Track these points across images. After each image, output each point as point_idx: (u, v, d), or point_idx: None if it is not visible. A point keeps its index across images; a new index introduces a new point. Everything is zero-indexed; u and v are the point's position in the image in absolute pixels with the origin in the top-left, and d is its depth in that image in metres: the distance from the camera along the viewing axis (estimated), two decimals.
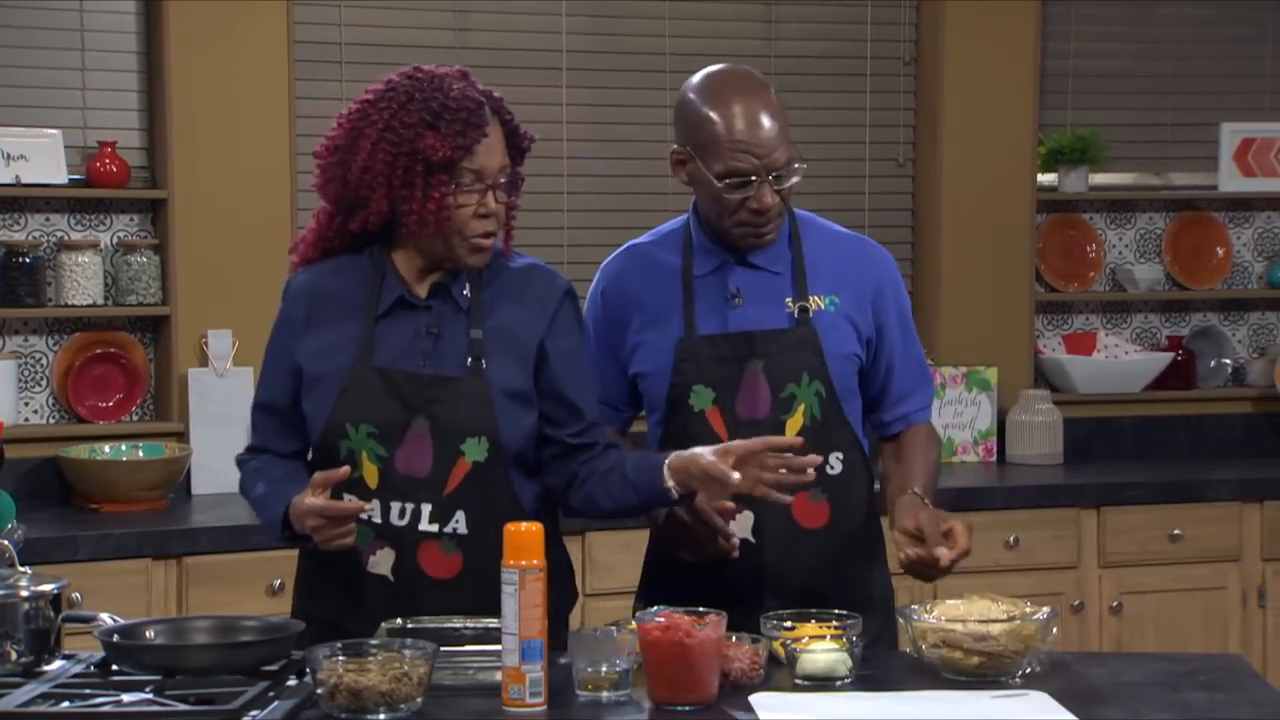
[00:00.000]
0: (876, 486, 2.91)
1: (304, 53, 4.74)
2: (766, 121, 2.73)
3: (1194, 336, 5.56)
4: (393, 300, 2.67)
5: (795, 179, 2.76)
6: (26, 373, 4.56)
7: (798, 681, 2.44)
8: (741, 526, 2.77)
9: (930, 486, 2.82)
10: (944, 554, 2.62)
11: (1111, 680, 2.49)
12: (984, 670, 2.43)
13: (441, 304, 2.68)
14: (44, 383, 4.59)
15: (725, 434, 2.77)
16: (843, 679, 2.43)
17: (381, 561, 2.64)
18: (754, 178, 2.73)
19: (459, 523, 2.62)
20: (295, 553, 4.05)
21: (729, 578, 2.75)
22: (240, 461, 2.80)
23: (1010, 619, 2.46)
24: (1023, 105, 5.26)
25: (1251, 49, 5.58)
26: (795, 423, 2.79)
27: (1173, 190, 5.54)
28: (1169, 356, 5.41)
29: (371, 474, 2.63)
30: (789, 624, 2.53)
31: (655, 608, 2.45)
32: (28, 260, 4.45)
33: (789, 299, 2.82)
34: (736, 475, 2.51)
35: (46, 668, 2.45)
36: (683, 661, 2.30)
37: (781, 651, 2.48)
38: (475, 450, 2.63)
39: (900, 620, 2.52)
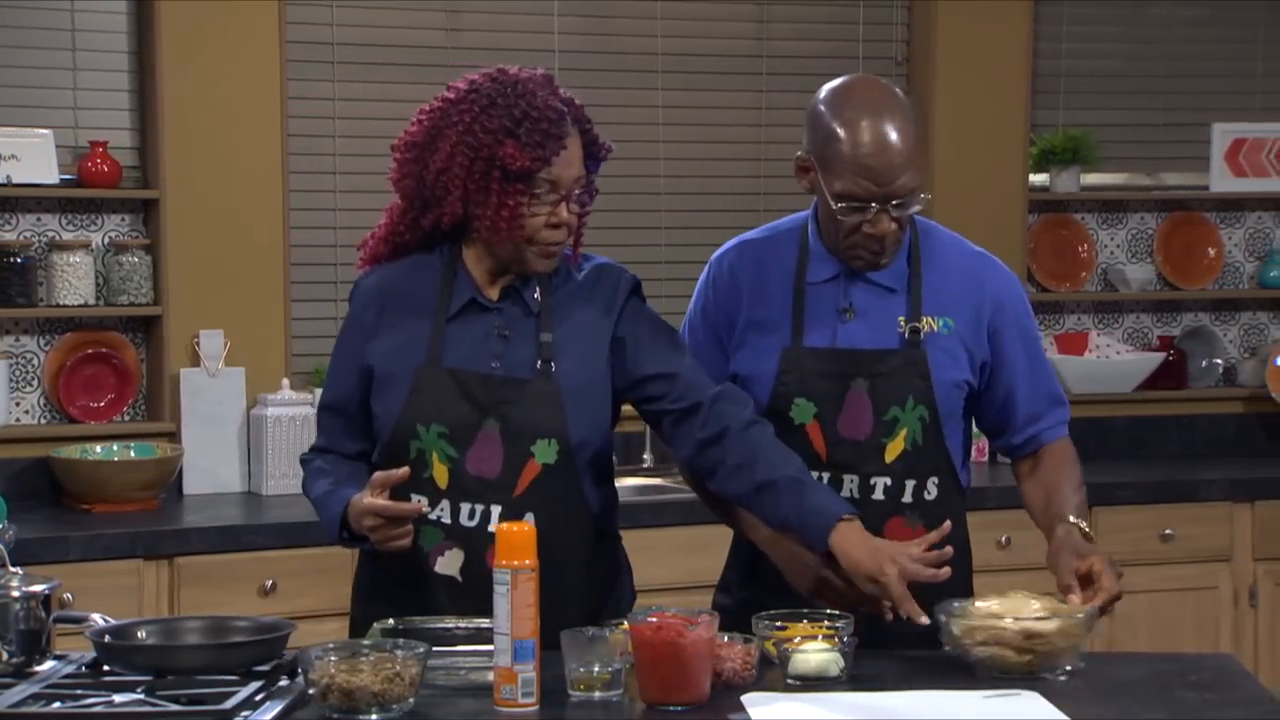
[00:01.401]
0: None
1: (296, 53, 4.74)
2: (894, 147, 2.62)
3: (1185, 336, 5.56)
4: (464, 301, 2.68)
5: (917, 208, 2.68)
6: (18, 373, 4.55)
7: (790, 681, 2.44)
8: None
9: (1082, 511, 2.75)
10: (1073, 600, 2.56)
11: (1103, 680, 2.49)
12: (1032, 667, 2.44)
13: (512, 306, 2.68)
14: (35, 383, 4.58)
15: (824, 451, 2.74)
16: (835, 679, 2.43)
17: (450, 562, 2.64)
18: (873, 205, 2.65)
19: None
20: (286, 553, 4.08)
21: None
22: (304, 461, 2.79)
23: (1058, 616, 2.46)
24: (1014, 105, 5.26)
25: (1242, 49, 5.59)
26: (896, 446, 2.74)
27: (1164, 190, 5.55)
28: (1160, 356, 5.41)
29: (442, 474, 2.63)
30: (780, 624, 2.53)
31: (647, 608, 2.44)
32: (19, 260, 4.44)
33: (901, 318, 2.75)
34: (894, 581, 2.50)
35: (38, 668, 2.45)
36: (675, 661, 2.30)
37: (774, 651, 2.48)
38: (545, 452, 2.63)
39: (942, 618, 2.49)
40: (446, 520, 2.63)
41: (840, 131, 2.65)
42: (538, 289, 2.68)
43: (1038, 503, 2.81)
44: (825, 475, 2.73)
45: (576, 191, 2.64)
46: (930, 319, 2.76)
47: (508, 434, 2.62)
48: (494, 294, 2.68)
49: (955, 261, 2.80)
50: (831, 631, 2.50)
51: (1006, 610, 2.48)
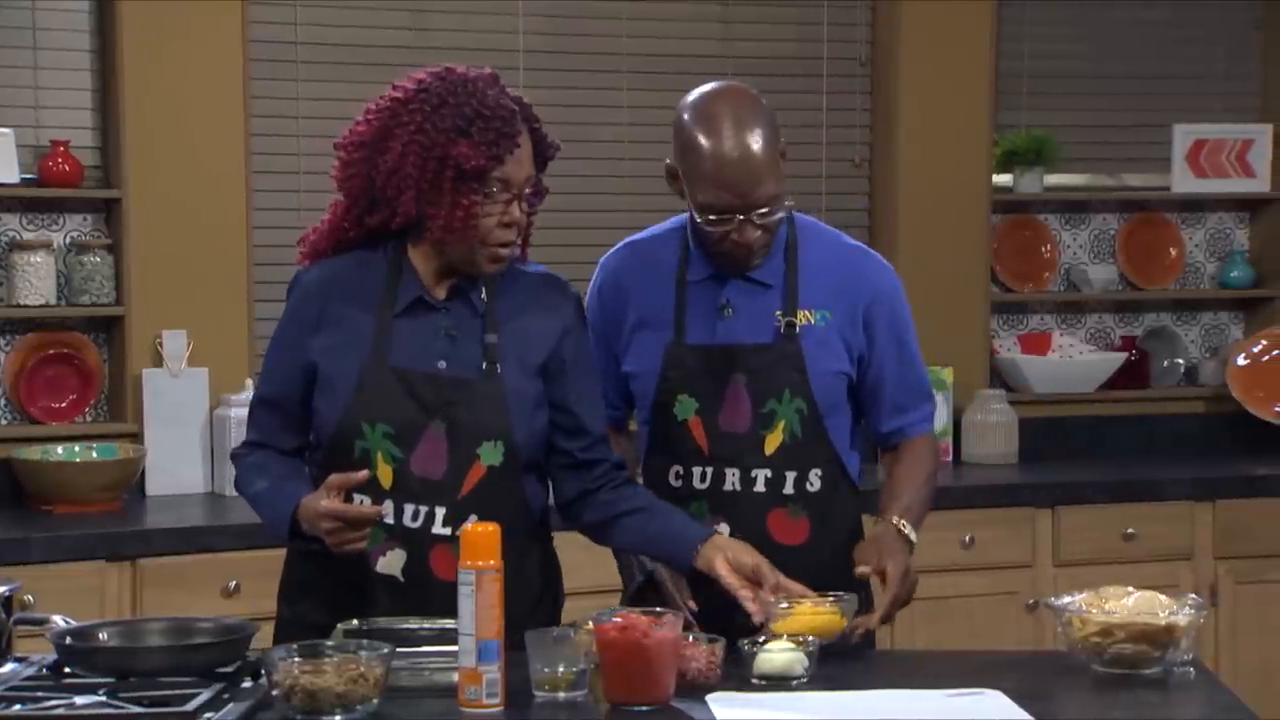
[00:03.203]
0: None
1: (259, 52, 4.72)
2: (753, 158, 2.66)
3: (1147, 336, 5.59)
4: (411, 300, 2.66)
5: (780, 215, 2.72)
6: None
7: (754, 681, 2.44)
8: None
9: (914, 508, 2.78)
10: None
11: (1066, 678, 2.51)
12: (1163, 663, 2.48)
13: (460, 307, 2.67)
14: None
15: (706, 445, 2.79)
16: (799, 678, 2.44)
17: (392, 563, 2.63)
18: (737, 216, 2.69)
19: None
20: (249, 555, 4.06)
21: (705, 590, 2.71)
22: (236, 456, 2.76)
23: (1180, 610, 2.50)
24: (978, 106, 5.28)
25: (1204, 51, 5.62)
26: (774, 439, 2.78)
27: (1126, 191, 5.58)
28: (1123, 356, 5.44)
29: (386, 475, 2.61)
30: (785, 604, 2.54)
31: (611, 608, 2.45)
32: None
33: (778, 313, 2.80)
34: (754, 610, 2.56)
35: None
36: (640, 661, 2.30)
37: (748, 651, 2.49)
38: (491, 454, 2.63)
39: (1066, 617, 2.51)
40: (390, 520, 2.62)
41: (700, 143, 2.69)
42: (484, 290, 2.68)
43: (880, 502, 2.84)
44: (708, 469, 2.79)
45: (527, 191, 2.64)
46: (807, 313, 2.80)
47: (454, 435, 2.62)
48: (441, 293, 2.68)
49: (832, 256, 2.85)
50: (835, 605, 2.54)
51: (1141, 606, 2.49)
